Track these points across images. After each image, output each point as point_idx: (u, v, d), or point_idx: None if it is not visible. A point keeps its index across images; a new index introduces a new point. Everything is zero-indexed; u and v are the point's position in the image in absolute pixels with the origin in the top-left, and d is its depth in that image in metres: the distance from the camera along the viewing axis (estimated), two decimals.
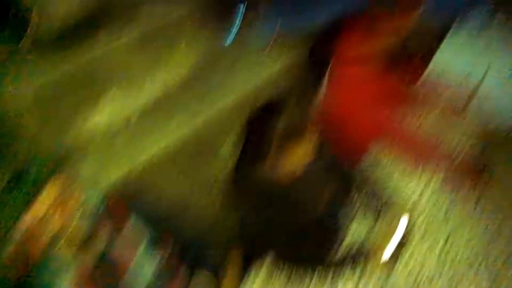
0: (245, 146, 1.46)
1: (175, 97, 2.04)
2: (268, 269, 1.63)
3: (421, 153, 1.78)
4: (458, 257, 1.63)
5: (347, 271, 1.49)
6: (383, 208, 1.59)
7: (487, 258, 1.67)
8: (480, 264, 1.64)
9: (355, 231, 1.61)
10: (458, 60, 2.28)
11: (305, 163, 1.40)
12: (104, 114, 1.88)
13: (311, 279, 1.49)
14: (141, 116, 1.96)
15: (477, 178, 1.84)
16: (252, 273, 1.64)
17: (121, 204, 1.39)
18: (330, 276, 1.49)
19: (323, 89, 1.91)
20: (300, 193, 1.48)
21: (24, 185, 1.22)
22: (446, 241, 1.62)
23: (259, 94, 1.98)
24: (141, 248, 1.35)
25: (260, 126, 1.36)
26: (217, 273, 1.49)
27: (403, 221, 1.49)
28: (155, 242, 1.40)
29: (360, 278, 1.50)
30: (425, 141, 1.82)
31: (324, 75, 1.93)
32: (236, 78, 2.01)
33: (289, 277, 1.54)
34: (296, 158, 1.37)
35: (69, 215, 1.25)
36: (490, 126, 2.01)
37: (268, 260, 1.62)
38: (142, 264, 1.36)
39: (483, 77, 2.27)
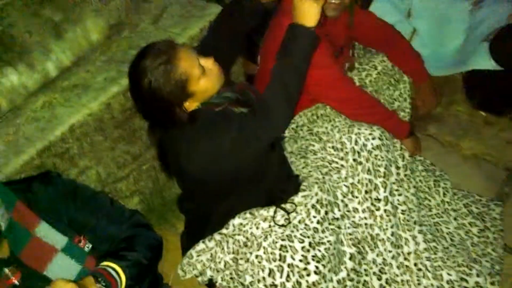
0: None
1: (91, 61, 1.76)
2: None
3: (362, 107, 1.71)
4: (398, 215, 1.60)
5: None
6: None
7: (419, 214, 1.67)
8: (415, 222, 1.63)
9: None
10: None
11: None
12: (8, 84, 1.59)
13: None
14: (51, 86, 1.67)
15: (413, 136, 1.81)
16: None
17: (27, 208, 1.19)
18: None
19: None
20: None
21: None
22: (386, 200, 1.56)
23: None
24: (57, 254, 1.20)
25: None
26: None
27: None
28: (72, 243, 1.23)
29: None
30: (366, 96, 1.75)
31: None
32: (158, 35, 1.77)
33: None
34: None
35: None
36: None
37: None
38: (60, 268, 1.19)
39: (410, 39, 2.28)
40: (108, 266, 1.18)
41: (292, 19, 1.43)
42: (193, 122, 1.35)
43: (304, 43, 1.42)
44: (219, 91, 1.41)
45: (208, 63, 1.36)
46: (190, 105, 1.37)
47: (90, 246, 1.27)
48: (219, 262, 1.49)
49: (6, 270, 1.12)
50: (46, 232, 1.19)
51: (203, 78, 1.34)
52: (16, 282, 1.13)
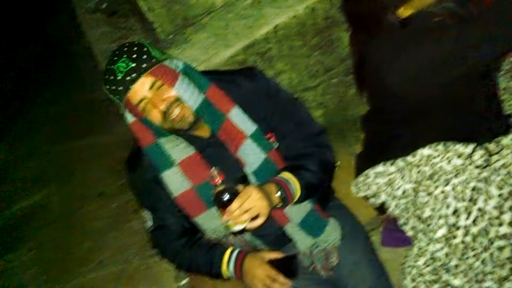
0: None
1: None
2: None
3: None
4: None
5: None
6: None
7: None
8: None
9: None
10: None
11: None
12: None
13: None
14: None
15: None
16: None
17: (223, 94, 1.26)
18: None
19: None
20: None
21: None
22: None
23: None
24: (246, 139, 1.26)
25: None
26: None
27: None
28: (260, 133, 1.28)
29: None
30: None
31: None
32: None
33: None
34: None
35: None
36: None
37: None
38: (248, 154, 1.26)
39: None
40: (289, 180, 1.22)
41: None
42: (405, 27, 1.24)
43: None
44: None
45: None
46: (404, 12, 1.25)
47: (277, 145, 1.33)
48: (397, 189, 1.43)
49: (214, 170, 1.15)
50: (238, 117, 1.25)
51: None
52: (219, 183, 1.15)
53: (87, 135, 3.06)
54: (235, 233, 1.17)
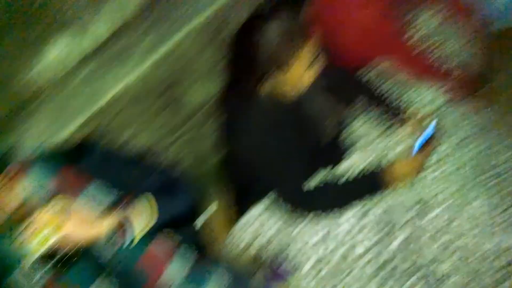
0: (235, 66, 1.29)
1: (131, 30, 1.72)
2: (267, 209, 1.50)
3: (422, 65, 1.61)
4: (466, 169, 1.51)
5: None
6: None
7: (492, 169, 1.55)
8: (486, 178, 1.51)
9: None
10: None
11: (309, 79, 1.25)
12: (50, 59, 1.58)
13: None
14: (93, 57, 1.66)
15: (480, 88, 1.71)
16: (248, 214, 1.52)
17: (76, 171, 1.17)
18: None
19: None
20: (309, 114, 1.36)
21: None
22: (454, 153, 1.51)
23: (233, 10, 1.70)
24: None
25: (250, 42, 1.19)
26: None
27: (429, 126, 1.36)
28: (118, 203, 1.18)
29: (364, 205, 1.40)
30: (425, 53, 1.64)
31: None
32: None
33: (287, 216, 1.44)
34: (297, 74, 1.21)
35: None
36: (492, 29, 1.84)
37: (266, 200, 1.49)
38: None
39: None
40: None
41: None
42: (248, 110, 1.29)
43: None
44: None
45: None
46: (278, 88, 1.26)
47: None
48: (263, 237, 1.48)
49: None
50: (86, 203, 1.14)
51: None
52: None
53: None
54: None
